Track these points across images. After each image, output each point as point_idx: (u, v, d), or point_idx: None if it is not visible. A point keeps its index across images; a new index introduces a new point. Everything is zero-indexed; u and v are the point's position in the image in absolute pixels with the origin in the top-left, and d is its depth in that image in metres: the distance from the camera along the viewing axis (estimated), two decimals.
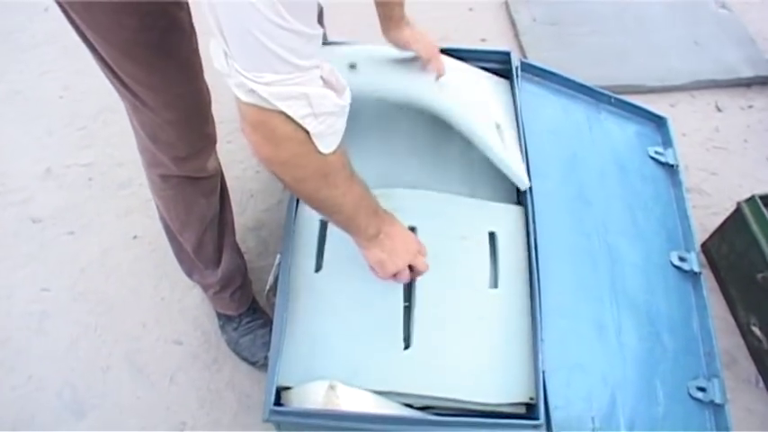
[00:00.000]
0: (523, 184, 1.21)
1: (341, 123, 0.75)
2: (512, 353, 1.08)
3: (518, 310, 1.12)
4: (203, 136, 1.10)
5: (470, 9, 2.14)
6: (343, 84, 0.74)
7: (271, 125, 0.69)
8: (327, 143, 0.74)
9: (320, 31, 0.67)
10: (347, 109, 0.75)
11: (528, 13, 2.06)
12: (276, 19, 0.60)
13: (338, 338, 1.08)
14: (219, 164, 1.21)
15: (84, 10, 0.84)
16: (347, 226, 0.91)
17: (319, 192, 0.80)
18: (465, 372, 1.05)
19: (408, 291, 1.12)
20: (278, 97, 0.66)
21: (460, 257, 1.16)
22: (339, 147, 0.77)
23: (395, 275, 0.98)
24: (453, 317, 1.10)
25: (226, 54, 0.67)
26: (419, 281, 1.12)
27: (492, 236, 1.18)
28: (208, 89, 1.07)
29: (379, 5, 1.11)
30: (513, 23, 2.07)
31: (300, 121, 0.69)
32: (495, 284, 1.14)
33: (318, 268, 1.13)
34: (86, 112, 1.83)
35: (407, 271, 1.00)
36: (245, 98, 0.68)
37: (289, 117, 0.68)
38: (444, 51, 1.42)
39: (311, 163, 0.75)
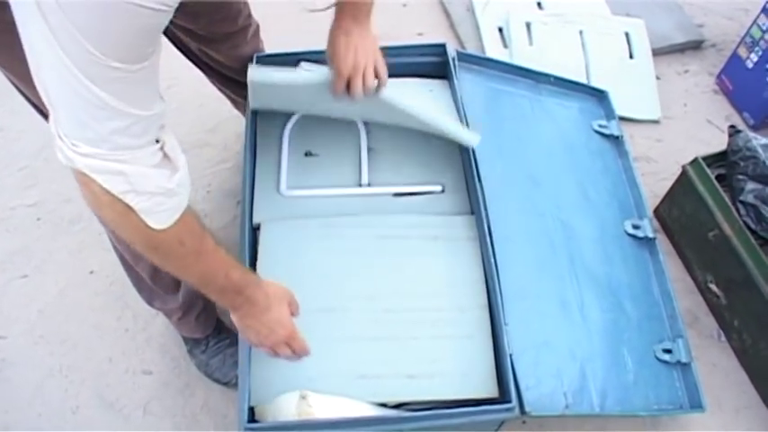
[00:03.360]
0: (475, 139, 1.21)
1: (174, 202, 0.72)
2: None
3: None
4: None
5: (404, 5, 2.15)
6: (179, 164, 0.71)
7: (91, 188, 0.67)
8: (158, 219, 0.71)
9: (159, 109, 0.66)
10: (182, 190, 0.72)
11: (462, 3, 2.07)
12: (97, 101, 0.59)
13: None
14: None
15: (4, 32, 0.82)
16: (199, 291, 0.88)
17: (152, 258, 0.77)
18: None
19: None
20: (93, 170, 0.64)
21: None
22: (178, 222, 0.73)
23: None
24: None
25: (53, 120, 0.64)
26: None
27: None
28: None
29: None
30: (447, 15, 2.08)
31: (120, 197, 0.67)
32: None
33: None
34: (26, 152, 1.78)
35: (282, 349, 0.99)
36: (64, 162, 0.65)
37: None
38: (381, 49, 1.44)
39: (136, 233, 0.72)
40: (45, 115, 0.94)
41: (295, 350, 1.00)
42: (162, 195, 0.69)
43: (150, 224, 0.71)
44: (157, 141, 0.69)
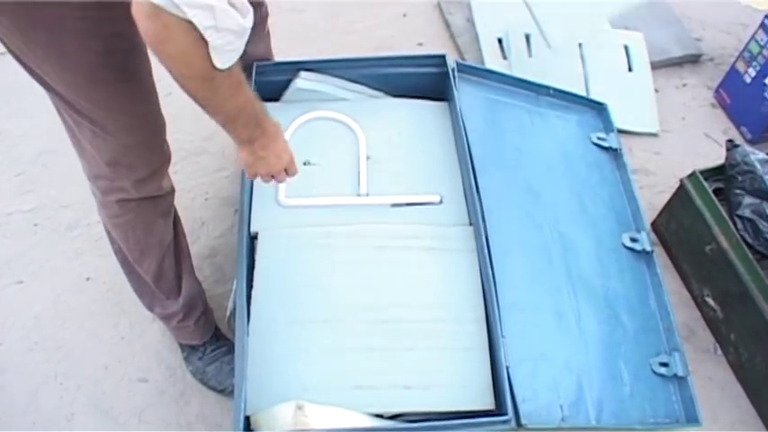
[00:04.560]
0: None
1: (240, 44, 0.76)
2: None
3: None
4: (161, 155, 1.10)
5: (404, 15, 2.16)
6: (247, 8, 0.75)
7: (163, 20, 0.70)
8: (223, 59, 0.76)
9: None
10: (248, 32, 0.76)
11: (462, 14, 2.08)
12: None
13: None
14: (172, 182, 1.20)
15: (48, 39, 0.84)
16: (223, 126, 0.93)
17: (200, 91, 0.82)
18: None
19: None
20: (186, 4, 0.67)
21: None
22: (234, 64, 0.79)
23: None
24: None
25: None
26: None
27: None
28: (161, 111, 1.08)
29: None
30: (447, 26, 2.09)
31: (203, 32, 0.71)
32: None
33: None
34: (24, 157, 1.78)
35: (282, 175, 1.07)
36: (157, 1, 0.68)
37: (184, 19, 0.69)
38: (381, 59, 1.45)
39: (199, 63, 0.75)
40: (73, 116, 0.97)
41: (291, 174, 1.08)
42: (235, 34, 0.74)
43: (216, 63, 0.75)
44: None
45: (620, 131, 1.67)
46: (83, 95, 0.92)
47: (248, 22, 0.75)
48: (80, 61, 0.87)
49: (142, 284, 1.27)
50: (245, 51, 0.77)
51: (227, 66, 0.77)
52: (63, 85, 0.91)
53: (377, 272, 1.16)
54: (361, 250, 1.18)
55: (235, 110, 0.89)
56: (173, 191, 1.20)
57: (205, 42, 0.72)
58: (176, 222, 1.25)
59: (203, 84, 0.80)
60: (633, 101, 1.88)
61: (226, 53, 0.76)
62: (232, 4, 0.72)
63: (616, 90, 1.87)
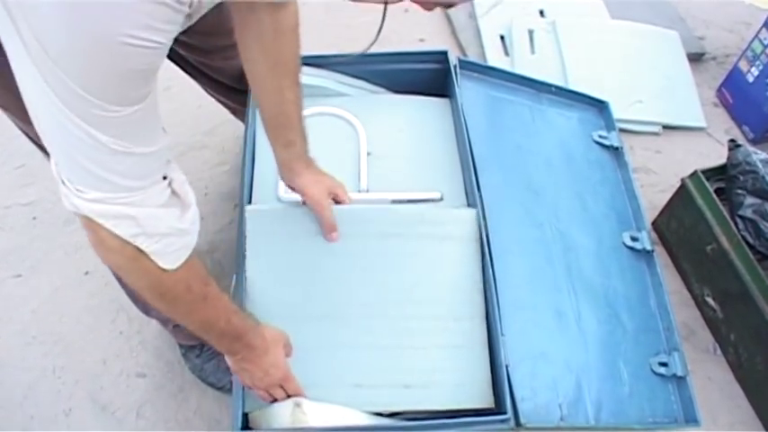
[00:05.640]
0: None
1: (186, 240, 0.71)
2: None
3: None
4: None
5: (406, 10, 2.13)
6: (190, 200, 0.70)
7: (99, 234, 0.64)
8: (168, 260, 0.69)
9: (162, 144, 0.64)
10: (192, 227, 0.71)
11: (464, 10, 2.07)
12: (96, 143, 0.56)
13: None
14: None
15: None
16: (198, 336, 0.86)
17: (157, 304, 0.75)
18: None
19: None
20: (101, 215, 0.62)
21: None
22: (185, 266, 0.72)
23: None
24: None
25: (56, 164, 0.62)
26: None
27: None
28: None
29: (276, 144, 1.05)
30: (449, 22, 2.08)
31: (131, 240, 0.65)
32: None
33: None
34: (23, 150, 1.76)
35: (276, 391, 0.97)
36: (70, 209, 0.63)
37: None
38: (382, 55, 1.44)
39: (145, 278, 0.70)
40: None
41: (288, 392, 0.98)
42: (173, 236, 0.68)
43: (161, 265, 0.69)
44: (164, 178, 0.66)
45: (622, 130, 1.67)
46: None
47: (187, 220, 0.69)
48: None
49: (136, 292, 1.26)
50: (233, 65, 0.71)
51: (175, 265, 0.70)
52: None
53: (376, 264, 1.14)
54: (360, 239, 1.15)
55: (202, 324, 0.82)
56: None
57: (140, 250, 0.66)
58: None
59: (157, 298, 0.73)
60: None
61: (169, 255, 0.69)
62: (174, 197, 0.67)
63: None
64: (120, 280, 1.24)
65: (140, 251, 0.66)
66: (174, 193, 0.68)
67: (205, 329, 0.83)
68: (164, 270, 0.69)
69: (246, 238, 1.13)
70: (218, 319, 0.82)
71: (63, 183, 0.62)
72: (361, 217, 1.16)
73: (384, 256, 1.15)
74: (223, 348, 0.89)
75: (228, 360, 0.93)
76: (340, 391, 1.04)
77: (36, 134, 0.60)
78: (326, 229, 1.10)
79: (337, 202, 1.12)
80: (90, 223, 0.63)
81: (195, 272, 0.75)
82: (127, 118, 0.57)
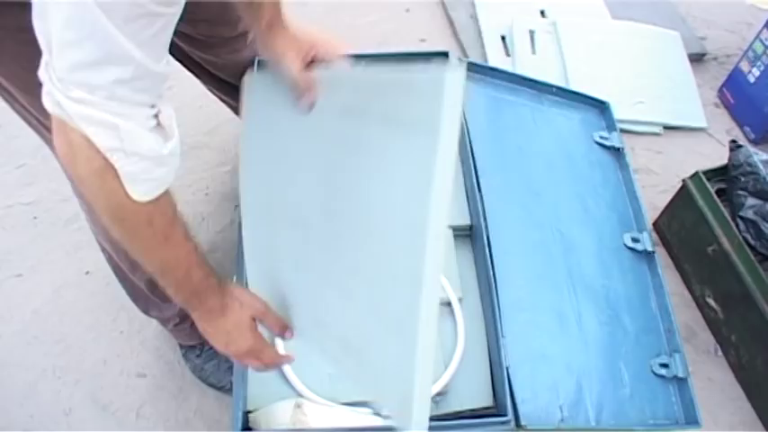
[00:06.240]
0: None
1: (160, 173, 0.66)
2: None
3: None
4: None
5: (407, 10, 2.15)
6: (172, 133, 0.66)
7: (69, 138, 0.61)
8: (140, 190, 0.65)
9: (165, 69, 0.62)
10: (172, 160, 0.67)
11: (465, 10, 2.07)
12: (110, 41, 0.54)
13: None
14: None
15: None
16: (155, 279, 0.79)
17: (114, 230, 0.70)
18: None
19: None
20: (84, 119, 0.58)
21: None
22: (158, 200, 0.67)
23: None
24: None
25: (46, 63, 0.59)
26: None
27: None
28: None
29: (244, 7, 0.94)
30: (450, 22, 2.08)
31: (107, 154, 0.60)
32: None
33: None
34: (25, 149, 1.77)
35: (249, 360, 0.87)
36: (50, 108, 0.60)
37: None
38: (383, 56, 1.44)
39: (107, 197, 0.65)
40: (43, 128, 0.93)
41: (266, 363, 0.88)
42: (151, 161, 0.64)
43: (131, 193, 0.64)
44: (153, 107, 0.64)
45: (623, 131, 1.66)
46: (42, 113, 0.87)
47: (169, 147, 0.65)
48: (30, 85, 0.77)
49: (136, 290, 1.26)
50: (235, 61, 0.65)
51: (145, 198, 0.65)
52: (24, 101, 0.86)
53: (333, 158, 0.80)
54: (325, 114, 0.83)
55: (160, 266, 0.75)
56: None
57: (115, 170, 0.62)
58: None
59: (116, 223, 0.68)
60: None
61: (141, 182, 0.64)
62: (159, 127, 0.64)
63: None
64: (118, 275, 1.24)
65: (109, 168, 0.62)
66: (159, 124, 0.65)
67: (161, 273, 0.77)
68: (128, 196, 0.65)
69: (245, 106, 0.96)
70: (177, 266, 0.76)
71: (52, 81, 0.59)
72: (329, 83, 0.84)
73: (340, 146, 0.79)
74: (180, 301, 0.82)
75: (192, 317, 0.86)
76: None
77: (35, 105, 0.57)
78: (296, 95, 0.86)
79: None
80: (62, 126, 0.60)
81: (162, 208, 0.70)
82: (154, 21, 0.56)
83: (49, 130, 0.71)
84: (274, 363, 0.89)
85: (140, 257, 0.75)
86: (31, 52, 0.59)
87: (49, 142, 0.90)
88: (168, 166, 0.67)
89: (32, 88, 0.59)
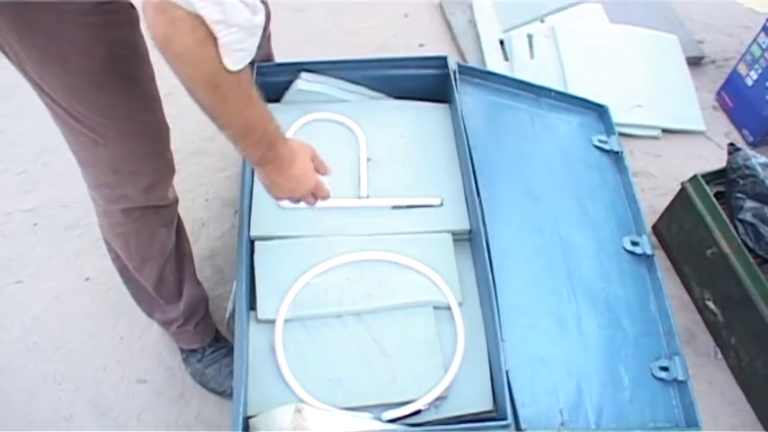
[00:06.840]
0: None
1: (250, 43, 0.74)
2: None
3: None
4: (165, 162, 1.09)
5: (406, 15, 2.16)
6: (259, 6, 0.73)
7: (172, 15, 0.67)
8: (233, 59, 0.73)
9: None
10: (259, 31, 0.74)
11: (463, 15, 2.08)
12: None
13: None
14: (176, 192, 1.19)
15: (47, 44, 0.83)
16: (234, 144, 0.89)
17: (208, 98, 0.78)
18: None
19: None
20: None
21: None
22: (244, 66, 0.76)
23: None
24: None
25: None
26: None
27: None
28: (165, 117, 1.07)
29: None
30: (449, 27, 2.09)
31: (212, 27, 0.68)
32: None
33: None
34: (24, 156, 1.77)
35: (309, 199, 1.03)
36: None
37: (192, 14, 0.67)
38: (382, 61, 1.45)
39: (205, 65, 0.73)
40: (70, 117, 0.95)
41: (319, 196, 1.04)
42: (246, 32, 0.71)
43: (226, 64, 0.73)
44: None
45: (622, 134, 1.67)
46: (83, 101, 0.91)
47: (259, 19, 0.73)
48: (81, 67, 0.86)
49: (141, 291, 1.27)
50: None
51: (237, 67, 0.74)
52: (62, 90, 0.89)
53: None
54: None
55: (244, 126, 0.85)
56: (176, 201, 1.19)
57: (214, 41, 0.70)
58: (179, 228, 1.24)
59: (210, 90, 0.77)
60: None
61: (236, 52, 0.73)
62: (243, 2, 0.71)
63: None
64: (124, 276, 1.24)
65: (210, 38, 0.70)
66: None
67: (244, 132, 0.86)
68: (222, 65, 0.73)
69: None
70: (257, 122, 0.86)
71: None
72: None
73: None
74: (256, 157, 0.92)
75: (260, 172, 0.96)
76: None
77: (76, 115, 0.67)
78: (322, 171, 1.07)
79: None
80: (166, 6, 0.67)
81: (246, 74, 0.78)
82: None
83: (73, 117, 0.90)
84: (326, 195, 1.05)
85: (228, 121, 0.83)
86: (90, 35, 0.69)
87: (72, 132, 0.96)
88: (256, 37, 0.74)
89: (81, 70, 0.65)
